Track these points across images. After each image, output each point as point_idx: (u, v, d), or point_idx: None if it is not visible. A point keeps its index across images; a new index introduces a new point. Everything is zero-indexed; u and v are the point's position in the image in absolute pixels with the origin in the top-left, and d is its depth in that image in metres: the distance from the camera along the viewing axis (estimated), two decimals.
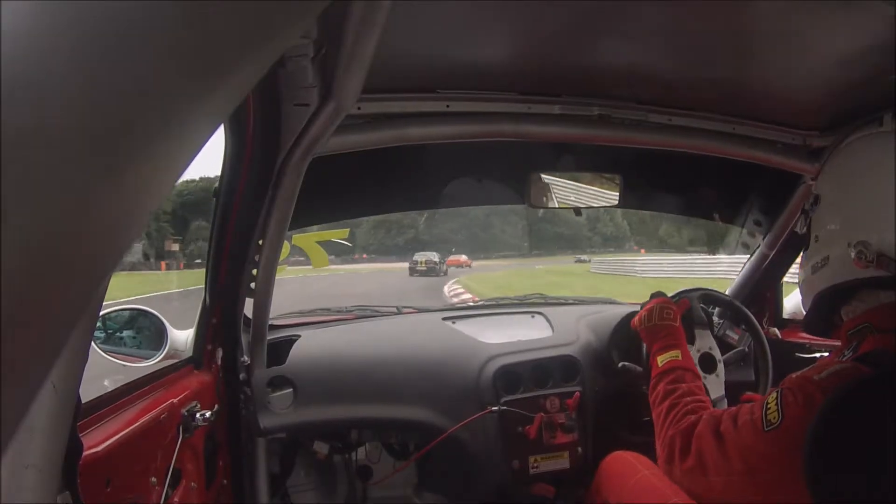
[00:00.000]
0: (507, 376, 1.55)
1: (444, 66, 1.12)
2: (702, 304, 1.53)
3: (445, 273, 17.51)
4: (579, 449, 1.53)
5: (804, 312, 1.03)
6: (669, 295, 1.45)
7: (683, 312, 1.36)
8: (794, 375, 0.88)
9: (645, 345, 1.32)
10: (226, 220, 1.23)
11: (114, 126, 0.18)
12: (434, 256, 18.17)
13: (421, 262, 17.37)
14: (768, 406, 0.85)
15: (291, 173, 1.12)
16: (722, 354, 1.47)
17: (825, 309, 0.96)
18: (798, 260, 1.28)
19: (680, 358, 1.19)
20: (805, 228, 1.00)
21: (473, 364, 1.57)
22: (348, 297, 8.31)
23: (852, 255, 0.87)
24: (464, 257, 24.19)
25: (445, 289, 13.41)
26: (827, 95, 1.20)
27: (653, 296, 1.39)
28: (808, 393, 0.81)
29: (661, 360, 1.20)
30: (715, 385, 1.42)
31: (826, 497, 0.75)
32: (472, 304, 2.14)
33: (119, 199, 0.20)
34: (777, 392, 0.86)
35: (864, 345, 0.86)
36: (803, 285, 1.01)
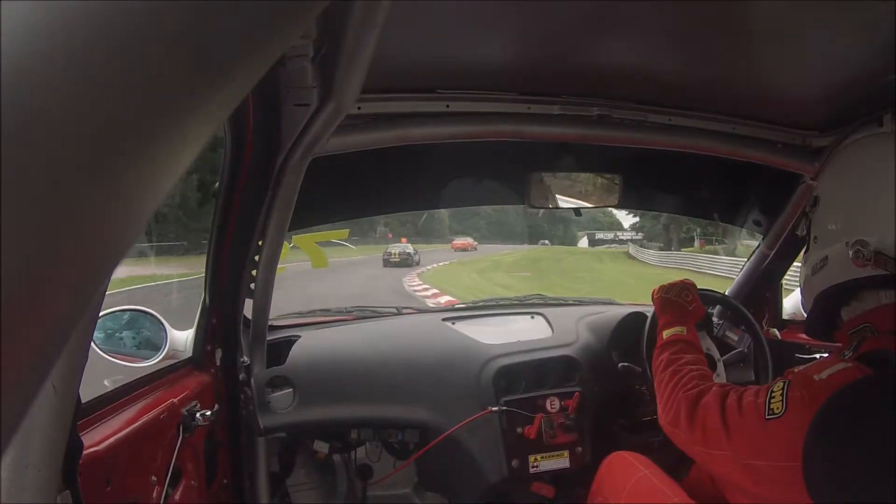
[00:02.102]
0: (506, 377, 1.55)
1: (444, 66, 1.12)
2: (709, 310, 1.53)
3: (418, 263, 18.57)
4: (579, 449, 1.53)
5: (805, 314, 1.03)
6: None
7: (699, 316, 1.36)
8: (797, 370, 0.87)
9: (655, 315, 1.31)
10: (226, 221, 1.23)
11: (113, 126, 0.18)
12: (408, 248, 19.17)
13: (394, 255, 18.38)
14: (773, 394, 0.84)
15: (291, 173, 1.12)
16: (721, 355, 1.47)
17: (826, 310, 0.96)
18: (798, 261, 1.28)
19: (685, 333, 1.20)
20: (805, 230, 1.01)
21: (473, 364, 1.57)
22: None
23: (850, 254, 0.87)
24: (469, 240, 25.20)
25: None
26: (827, 95, 1.20)
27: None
28: (810, 392, 0.81)
29: (666, 333, 1.21)
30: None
31: (825, 497, 0.75)
32: (472, 304, 2.14)
33: (119, 199, 0.20)
34: (784, 383, 0.85)
35: (865, 345, 0.86)
36: (804, 287, 1.01)
